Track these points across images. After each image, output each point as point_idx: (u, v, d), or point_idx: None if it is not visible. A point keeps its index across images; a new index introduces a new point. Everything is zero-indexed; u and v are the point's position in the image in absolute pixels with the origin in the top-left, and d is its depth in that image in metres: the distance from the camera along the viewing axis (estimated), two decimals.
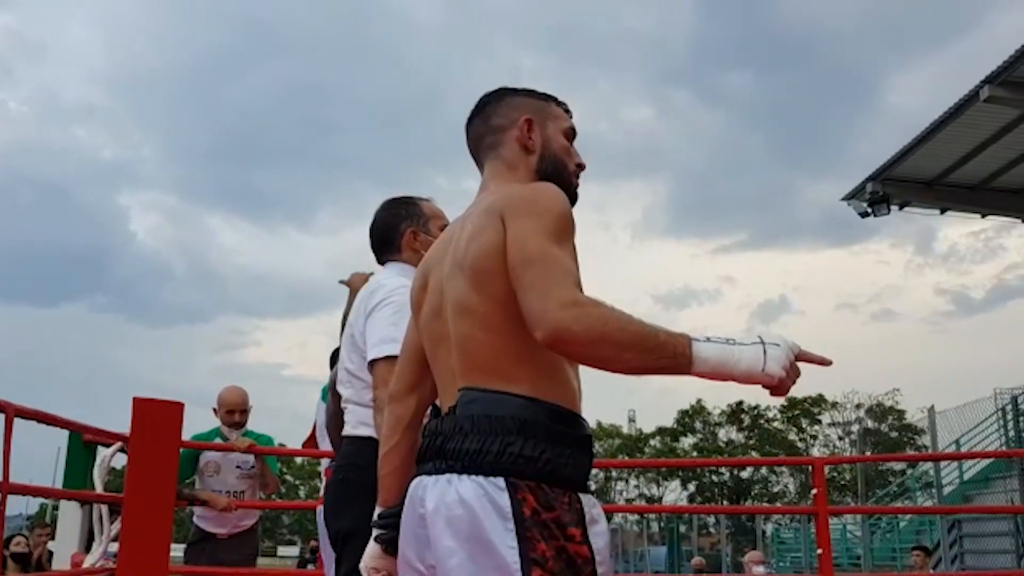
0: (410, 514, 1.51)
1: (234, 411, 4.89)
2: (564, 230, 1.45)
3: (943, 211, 11.90)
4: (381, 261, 2.55)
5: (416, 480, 1.52)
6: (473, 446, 1.41)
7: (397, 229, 2.50)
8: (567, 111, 1.77)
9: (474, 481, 1.39)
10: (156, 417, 3.14)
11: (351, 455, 2.36)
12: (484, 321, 1.46)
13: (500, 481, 1.38)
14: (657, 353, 1.33)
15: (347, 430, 2.40)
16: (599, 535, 1.41)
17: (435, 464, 1.47)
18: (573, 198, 1.69)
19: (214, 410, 4.96)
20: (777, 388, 1.38)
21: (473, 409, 1.45)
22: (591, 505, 1.44)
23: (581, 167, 1.74)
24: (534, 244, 1.40)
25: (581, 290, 1.38)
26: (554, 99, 1.76)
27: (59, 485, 4.67)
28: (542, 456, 1.40)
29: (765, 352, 1.37)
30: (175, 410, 3.31)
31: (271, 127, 70.85)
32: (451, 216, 2.55)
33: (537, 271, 1.38)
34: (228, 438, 4.86)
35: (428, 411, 1.70)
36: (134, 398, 3.16)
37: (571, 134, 1.74)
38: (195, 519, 4.97)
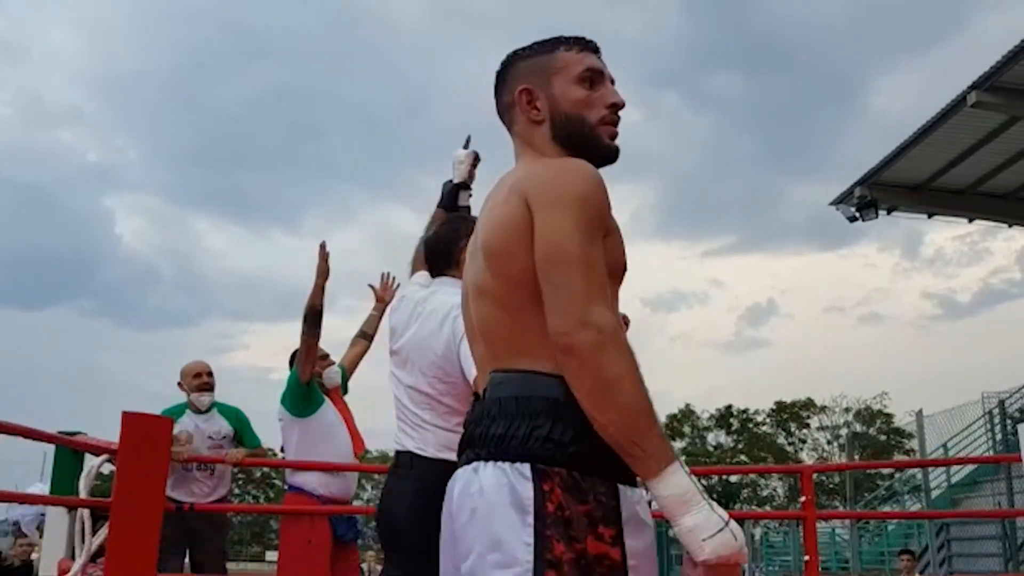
0: (444, 512, 1.43)
1: (202, 373, 4.96)
2: (594, 219, 1.34)
3: (930, 215, 11.99)
4: (435, 274, 2.66)
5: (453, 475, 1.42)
6: (499, 431, 1.30)
7: (457, 244, 2.57)
8: (584, 47, 1.53)
9: (498, 468, 1.28)
10: (146, 432, 3.15)
11: (440, 481, 2.33)
12: (502, 301, 1.37)
13: (526, 468, 1.26)
14: (637, 438, 1.22)
15: (431, 452, 2.43)
16: (638, 535, 1.27)
17: (466, 455, 1.37)
18: (604, 152, 1.51)
19: (179, 384, 4.99)
20: (701, 564, 1.22)
21: (501, 391, 1.35)
22: (635, 500, 1.30)
23: (615, 107, 1.52)
24: (565, 242, 1.30)
25: (607, 301, 1.30)
26: (564, 42, 1.53)
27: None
28: (574, 440, 1.27)
29: (720, 530, 1.21)
30: (164, 425, 3.35)
31: (257, 130, 70.56)
32: None
33: (567, 274, 1.28)
34: (200, 407, 4.92)
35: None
36: (123, 413, 3.16)
37: (588, 76, 1.50)
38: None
